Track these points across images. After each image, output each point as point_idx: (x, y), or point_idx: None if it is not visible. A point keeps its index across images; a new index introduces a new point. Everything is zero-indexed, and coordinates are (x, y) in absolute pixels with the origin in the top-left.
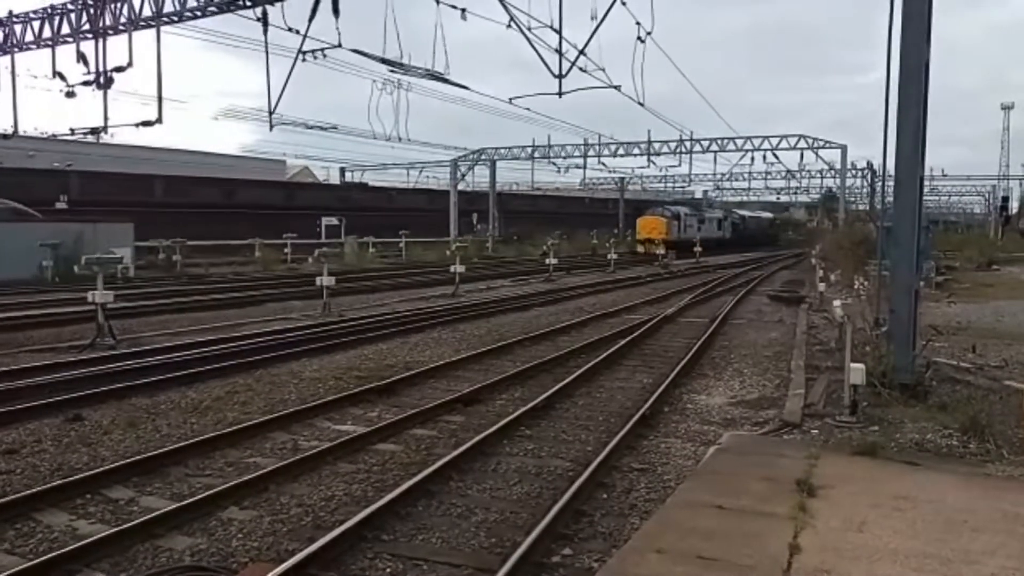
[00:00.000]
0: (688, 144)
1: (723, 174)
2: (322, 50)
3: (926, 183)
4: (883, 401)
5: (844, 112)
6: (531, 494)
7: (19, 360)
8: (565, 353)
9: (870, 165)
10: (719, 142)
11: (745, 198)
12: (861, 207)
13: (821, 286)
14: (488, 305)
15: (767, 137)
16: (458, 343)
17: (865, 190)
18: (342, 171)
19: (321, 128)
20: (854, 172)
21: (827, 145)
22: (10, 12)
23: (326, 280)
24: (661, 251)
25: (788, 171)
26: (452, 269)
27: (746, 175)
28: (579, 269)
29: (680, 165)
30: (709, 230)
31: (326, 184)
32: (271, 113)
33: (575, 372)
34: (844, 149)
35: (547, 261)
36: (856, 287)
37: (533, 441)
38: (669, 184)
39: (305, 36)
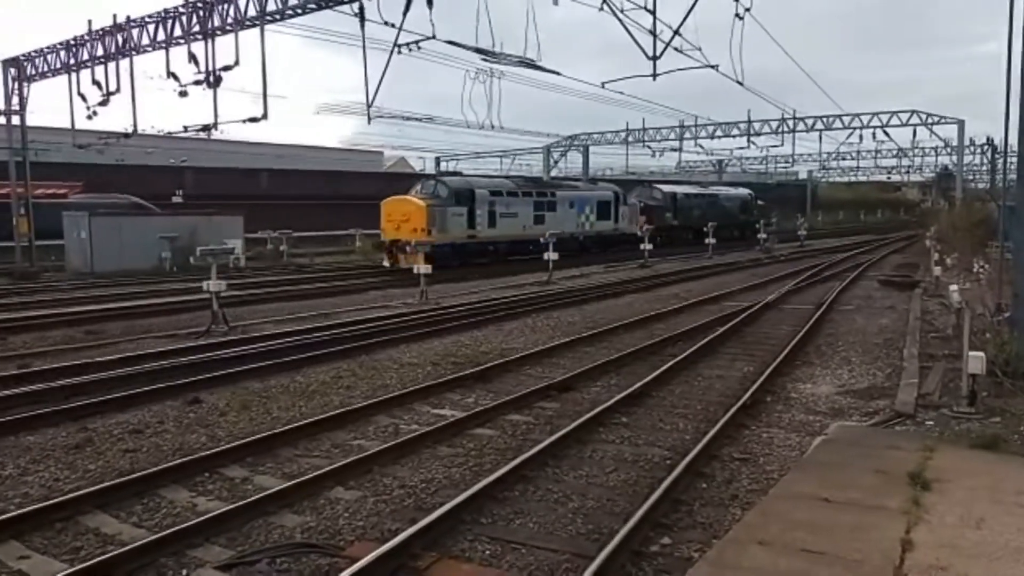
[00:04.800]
0: (791, 123)
1: (829, 153)
2: (416, 42)
3: None
4: (1005, 391)
5: (961, 85)
6: (628, 482)
7: (143, 346)
8: (660, 340)
9: (990, 141)
10: (824, 120)
11: (854, 178)
12: (980, 186)
13: (936, 270)
14: (581, 292)
15: (876, 114)
16: (552, 330)
17: (985, 167)
18: (437, 161)
19: (416, 119)
20: (972, 148)
21: (942, 120)
22: (128, 18)
23: (423, 268)
24: (420, 264)
25: (899, 149)
26: (545, 256)
27: (854, 154)
28: (674, 255)
29: (783, 145)
30: (565, 221)
31: (422, 174)
32: (369, 106)
33: (671, 360)
34: (961, 124)
35: (642, 247)
36: (975, 271)
37: (629, 429)
38: (771, 165)
39: (400, 29)
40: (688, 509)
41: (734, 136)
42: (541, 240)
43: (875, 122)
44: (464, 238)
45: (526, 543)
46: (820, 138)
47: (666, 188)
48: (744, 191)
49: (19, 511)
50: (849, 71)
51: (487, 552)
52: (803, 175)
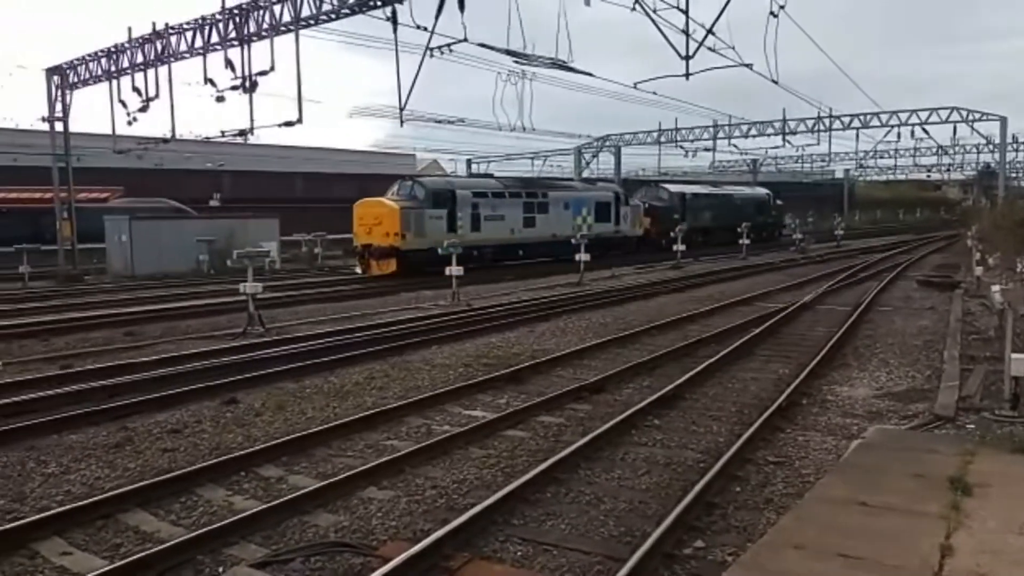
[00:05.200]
0: (827, 121)
1: (866, 152)
2: (448, 45)
3: None
4: None
5: (1004, 81)
6: (660, 485)
7: (183, 347)
8: (694, 342)
9: None
10: (861, 118)
11: (892, 176)
12: None
13: (978, 270)
14: (613, 293)
15: (915, 111)
16: (584, 332)
17: None
18: (468, 163)
19: (449, 122)
20: (1015, 146)
21: (984, 117)
22: (166, 25)
23: (455, 271)
24: (391, 269)
25: (939, 147)
26: (577, 258)
27: (892, 153)
28: (708, 255)
29: (818, 144)
30: (558, 223)
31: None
32: (401, 109)
33: (705, 362)
34: (1003, 121)
35: (674, 247)
36: (1018, 270)
37: (662, 431)
38: (806, 164)
39: (432, 32)
40: (722, 512)
41: (769, 135)
42: (556, 243)
43: (914, 119)
44: (439, 241)
45: (558, 545)
46: (857, 136)
47: (674, 188)
48: (761, 190)
49: (61, 508)
50: (887, 68)
51: (519, 553)
52: (840, 174)
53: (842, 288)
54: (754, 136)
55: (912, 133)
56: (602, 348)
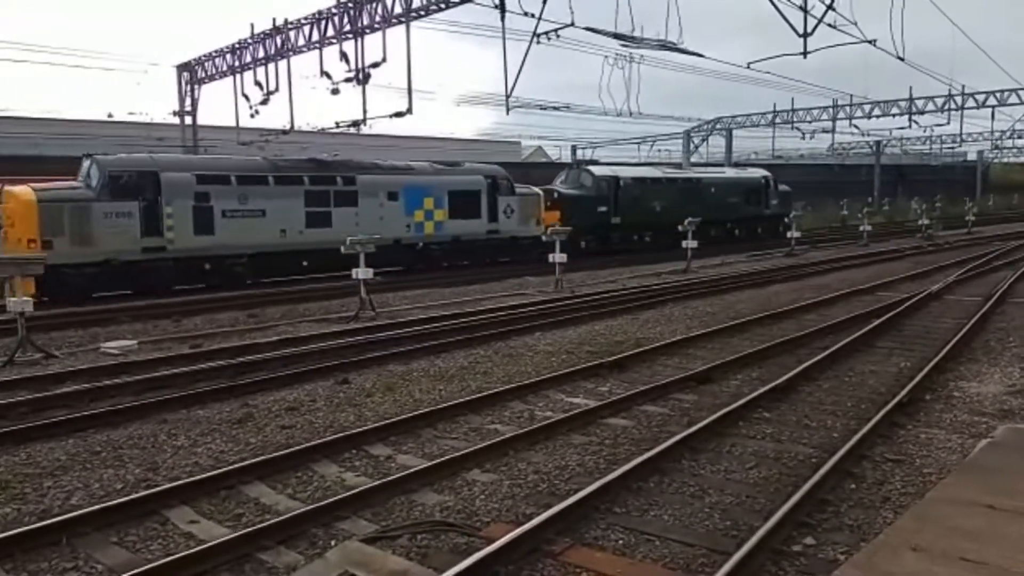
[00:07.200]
0: (958, 99)
1: (1003, 132)
2: (555, 30)
3: None
4: None
5: None
6: (769, 479)
7: (299, 329)
8: (809, 333)
9: None
10: (997, 95)
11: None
12: None
13: None
14: (722, 281)
15: None
16: (690, 320)
17: None
18: (573, 149)
19: (554, 108)
20: None
21: None
22: (285, 20)
23: (559, 257)
24: (27, 293)
25: None
26: (683, 244)
27: None
28: (825, 243)
29: (948, 124)
30: (381, 221)
31: (558, 163)
32: (508, 97)
33: (820, 353)
34: None
35: (788, 234)
36: None
37: (772, 424)
38: (935, 146)
39: (540, 18)
40: (835, 510)
41: (894, 115)
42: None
43: None
44: (136, 252)
45: (660, 535)
46: (992, 115)
47: (601, 171)
48: (756, 173)
49: (190, 479)
50: None
51: (620, 541)
52: (972, 156)
53: (973, 277)
54: (877, 116)
55: None
56: (709, 337)
